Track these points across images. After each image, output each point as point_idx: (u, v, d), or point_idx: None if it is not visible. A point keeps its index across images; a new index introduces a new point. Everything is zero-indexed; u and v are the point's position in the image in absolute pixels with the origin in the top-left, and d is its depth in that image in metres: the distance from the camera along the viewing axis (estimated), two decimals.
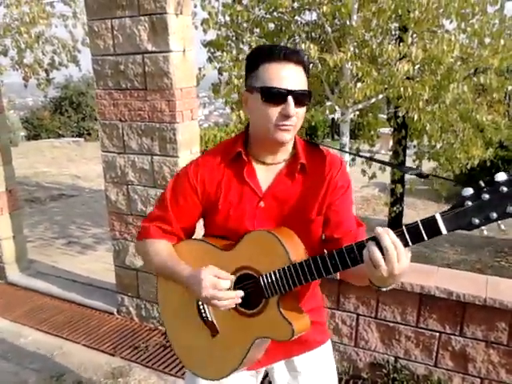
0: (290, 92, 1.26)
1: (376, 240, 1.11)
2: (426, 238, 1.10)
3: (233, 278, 1.32)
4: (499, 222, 1.07)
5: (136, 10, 2.94)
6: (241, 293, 1.31)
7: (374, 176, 4.73)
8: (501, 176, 1.04)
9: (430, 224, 1.09)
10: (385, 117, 6.74)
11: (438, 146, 4.40)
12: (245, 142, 1.42)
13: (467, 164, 4.57)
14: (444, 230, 1.08)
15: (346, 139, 4.46)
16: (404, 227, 1.11)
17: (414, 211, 7.67)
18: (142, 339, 3.40)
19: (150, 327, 3.54)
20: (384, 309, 2.75)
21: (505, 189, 1.03)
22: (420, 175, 1.34)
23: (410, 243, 1.11)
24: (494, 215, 1.05)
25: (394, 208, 5.33)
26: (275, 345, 1.41)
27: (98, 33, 3.11)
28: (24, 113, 23.31)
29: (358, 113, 4.48)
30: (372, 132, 5.15)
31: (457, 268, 5.02)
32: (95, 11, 3.08)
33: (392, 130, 5.55)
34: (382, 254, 1.10)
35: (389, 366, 2.80)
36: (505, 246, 5.69)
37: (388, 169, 5.25)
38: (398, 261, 1.10)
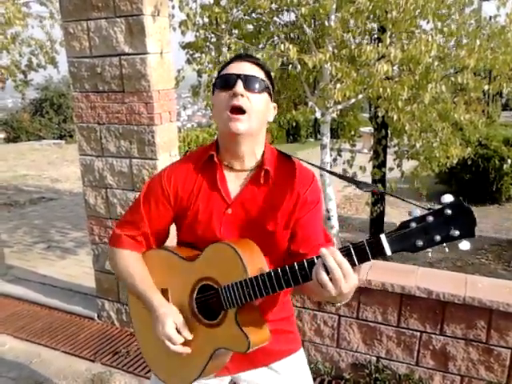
0: (238, 75, 1.31)
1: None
2: (370, 257, 1.10)
3: (190, 337, 1.37)
4: (444, 244, 1.06)
5: (112, 11, 2.90)
6: (188, 350, 1.37)
7: (354, 176, 4.75)
8: (447, 198, 1.04)
9: (375, 244, 1.09)
10: (367, 116, 6.79)
11: (418, 145, 4.41)
12: (217, 148, 1.44)
13: (446, 163, 4.61)
14: (388, 251, 1.08)
15: (326, 140, 4.46)
16: (351, 246, 1.11)
17: (397, 210, 7.71)
18: (122, 344, 3.37)
19: (131, 332, 3.50)
20: (365, 309, 2.76)
21: (449, 211, 1.03)
22: (375, 193, 1.35)
23: (357, 263, 1.11)
24: (438, 238, 1.04)
25: (376, 207, 5.35)
26: (240, 354, 1.40)
27: (74, 34, 3.06)
28: (3, 115, 22.95)
29: (338, 113, 4.48)
30: (353, 132, 5.18)
31: (438, 266, 5.07)
32: (70, 12, 3.03)
33: (372, 129, 5.58)
34: (328, 274, 1.09)
35: (371, 366, 2.81)
36: (485, 243, 5.76)
37: (369, 168, 5.27)
38: (345, 280, 1.09)
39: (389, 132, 5.17)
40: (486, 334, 2.52)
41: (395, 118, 3.96)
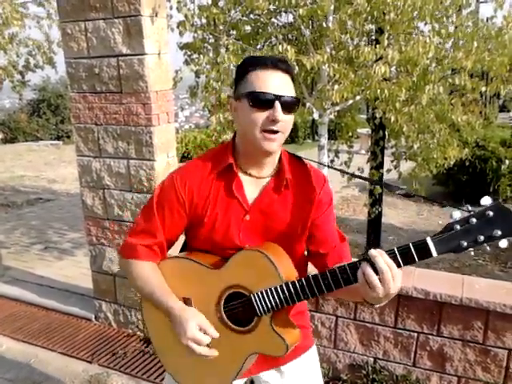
0: (277, 97, 1.26)
1: (370, 261, 1.13)
2: (417, 260, 1.14)
3: (217, 335, 1.32)
4: (486, 244, 1.10)
5: (110, 12, 2.90)
6: (215, 353, 1.32)
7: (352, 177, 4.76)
8: (486, 200, 1.10)
9: (422, 247, 1.13)
10: (365, 117, 6.79)
11: (415, 146, 4.42)
12: (233, 152, 1.40)
13: (444, 164, 4.62)
14: (435, 253, 1.12)
15: (324, 141, 4.47)
16: (396, 249, 1.15)
17: (394, 211, 7.72)
18: (120, 345, 3.36)
19: (129, 333, 3.50)
20: (362, 310, 2.76)
21: (491, 213, 1.08)
22: (406, 195, 1.39)
23: (402, 265, 1.15)
24: (482, 238, 1.09)
25: (374, 209, 5.35)
26: (263, 355, 1.40)
27: (72, 35, 3.06)
28: (0, 115, 22.89)
29: (336, 114, 4.49)
30: (350, 133, 5.19)
31: (435, 267, 5.07)
32: (68, 13, 3.03)
33: (370, 130, 5.58)
34: (377, 275, 1.12)
35: (368, 367, 2.81)
36: None
37: (367, 170, 5.28)
38: (393, 281, 1.13)
39: (386, 133, 5.18)
40: (482, 334, 2.52)
41: (393, 119, 3.97)
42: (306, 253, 1.51)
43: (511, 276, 4.86)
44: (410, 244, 1.13)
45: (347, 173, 1.80)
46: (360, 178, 1.68)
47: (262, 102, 1.27)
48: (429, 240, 1.12)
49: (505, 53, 3.81)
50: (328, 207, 1.44)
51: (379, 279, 1.12)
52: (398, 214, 7.63)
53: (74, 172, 8.76)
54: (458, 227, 1.11)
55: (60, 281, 4.35)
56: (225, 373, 1.40)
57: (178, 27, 3.82)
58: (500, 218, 1.08)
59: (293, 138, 17.05)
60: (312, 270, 1.47)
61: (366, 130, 10.59)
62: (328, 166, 1.68)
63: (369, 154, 5.44)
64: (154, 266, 1.45)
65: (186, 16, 3.75)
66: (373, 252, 1.13)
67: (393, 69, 3.97)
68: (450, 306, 2.54)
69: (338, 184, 7.97)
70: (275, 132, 1.28)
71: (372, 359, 2.81)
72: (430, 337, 2.64)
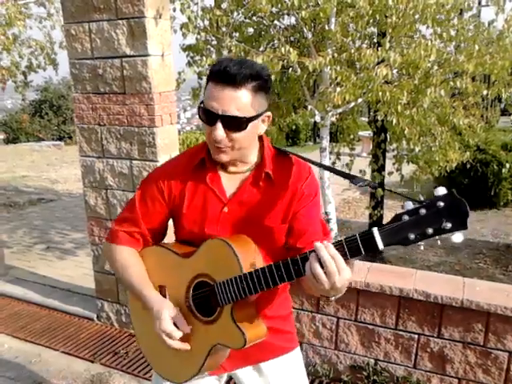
0: (218, 116, 1.27)
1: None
2: (363, 252, 1.09)
3: (188, 330, 1.36)
4: (436, 237, 1.04)
5: (114, 13, 2.92)
6: (187, 346, 1.36)
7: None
8: (440, 190, 1.03)
9: (368, 238, 1.08)
10: (366, 120, 6.81)
11: (417, 149, 4.44)
12: (209, 150, 1.43)
13: (446, 167, 4.63)
14: (381, 245, 1.07)
15: (325, 143, 4.49)
16: (343, 240, 1.11)
17: (394, 214, 7.73)
18: (122, 345, 3.37)
19: (131, 333, 3.51)
20: (364, 312, 2.77)
21: (441, 204, 1.01)
22: (373, 187, 1.33)
23: (349, 257, 1.11)
24: (430, 231, 1.02)
25: (375, 211, 5.36)
26: (236, 351, 1.40)
27: (76, 36, 3.08)
28: (2, 116, 22.92)
29: (338, 116, 4.51)
30: (352, 136, 5.21)
31: (436, 270, 5.07)
32: (72, 14, 3.05)
33: (372, 133, 5.60)
34: (322, 267, 1.10)
35: (369, 369, 2.82)
36: (483, 248, 5.77)
37: (368, 172, 5.29)
38: (338, 274, 1.10)
39: (388, 136, 5.19)
40: (483, 337, 2.53)
41: (394, 121, 3.98)
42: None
43: None
44: (357, 234, 1.09)
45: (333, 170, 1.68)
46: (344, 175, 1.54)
47: (207, 118, 1.29)
48: (375, 231, 1.07)
49: (506, 56, 3.83)
50: (311, 200, 1.43)
51: (324, 272, 1.10)
52: None
53: (76, 173, 8.80)
54: (407, 218, 1.04)
55: (62, 281, 4.36)
56: (191, 362, 1.42)
57: (181, 29, 3.84)
58: (451, 209, 1.00)
59: (294, 141, 17.07)
60: None
61: (367, 133, 10.59)
62: (326, 168, 1.62)
63: (370, 156, 5.46)
64: (133, 251, 1.50)
65: (189, 18, 3.77)
66: (317, 244, 1.11)
67: (394, 72, 3.99)
68: (450, 308, 2.55)
69: (339, 186, 7.98)
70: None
71: (373, 360, 2.82)
72: (431, 339, 2.65)
